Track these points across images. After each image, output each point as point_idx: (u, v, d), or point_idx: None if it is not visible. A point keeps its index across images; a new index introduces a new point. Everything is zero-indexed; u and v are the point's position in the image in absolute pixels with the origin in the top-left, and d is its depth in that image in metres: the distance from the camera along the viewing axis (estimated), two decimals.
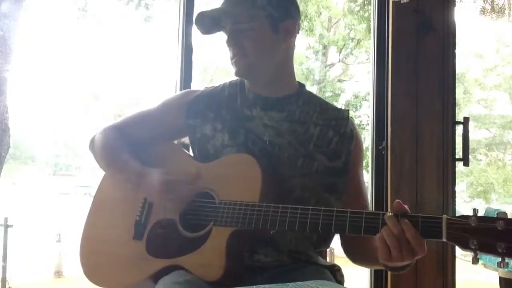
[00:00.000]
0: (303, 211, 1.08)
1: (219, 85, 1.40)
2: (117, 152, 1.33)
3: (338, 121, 1.32)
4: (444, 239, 0.94)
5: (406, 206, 1.01)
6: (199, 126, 1.33)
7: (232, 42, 1.27)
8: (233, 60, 1.29)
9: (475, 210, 0.93)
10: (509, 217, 0.91)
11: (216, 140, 1.30)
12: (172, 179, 1.21)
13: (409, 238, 0.96)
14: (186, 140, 1.42)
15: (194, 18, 1.32)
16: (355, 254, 1.31)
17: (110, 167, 1.36)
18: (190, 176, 1.21)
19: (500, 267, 0.90)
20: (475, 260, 0.93)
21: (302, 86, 1.38)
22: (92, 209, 1.36)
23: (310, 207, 1.08)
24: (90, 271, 1.29)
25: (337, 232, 1.06)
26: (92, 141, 1.40)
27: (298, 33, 1.33)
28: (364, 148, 1.47)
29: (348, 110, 1.37)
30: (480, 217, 0.92)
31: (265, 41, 1.27)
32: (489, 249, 0.90)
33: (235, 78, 1.38)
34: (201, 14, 1.29)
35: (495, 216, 0.91)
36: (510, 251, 0.88)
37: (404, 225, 0.97)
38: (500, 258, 0.90)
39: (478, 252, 0.91)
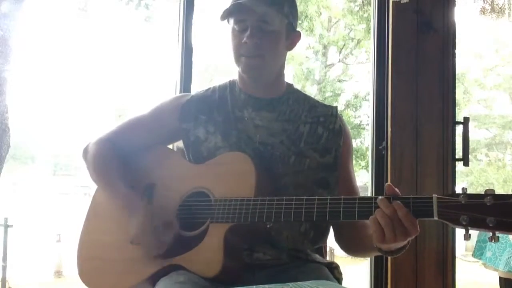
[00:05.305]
0: (298, 201, 1.09)
1: (209, 88, 1.41)
2: (108, 171, 1.33)
3: (327, 118, 1.35)
4: (435, 218, 0.97)
5: (397, 189, 1.03)
6: (192, 129, 1.34)
7: (253, 39, 1.26)
8: (244, 57, 1.28)
9: (463, 189, 0.96)
10: None
11: (209, 142, 1.31)
12: (147, 227, 1.19)
13: (401, 217, 0.99)
14: (180, 144, 1.42)
15: None
16: (349, 244, 1.33)
17: (99, 182, 1.37)
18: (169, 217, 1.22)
19: (491, 241, 0.93)
20: (467, 237, 0.95)
21: (290, 85, 1.41)
22: (88, 215, 1.37)
23: (304, 197, 1.09)
24: (88, 277, 1.30)
25: (332, 219, 1.07)
26: (86, 150, 1.40)
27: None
28: (364, 148, 1.48)
29: (336, 106, 1.40)
30: (469, 194, 0.95)
31: (279, 45, 1.31)
32: (480, 224, 0.92)
33: (234, 78, 1.40)
34: None
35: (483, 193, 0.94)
36: (500, 225, 0.90)
37: (396, 205, 0.99)
38: (491, 233, 0.92)
39: (469, 228, 0.94)
